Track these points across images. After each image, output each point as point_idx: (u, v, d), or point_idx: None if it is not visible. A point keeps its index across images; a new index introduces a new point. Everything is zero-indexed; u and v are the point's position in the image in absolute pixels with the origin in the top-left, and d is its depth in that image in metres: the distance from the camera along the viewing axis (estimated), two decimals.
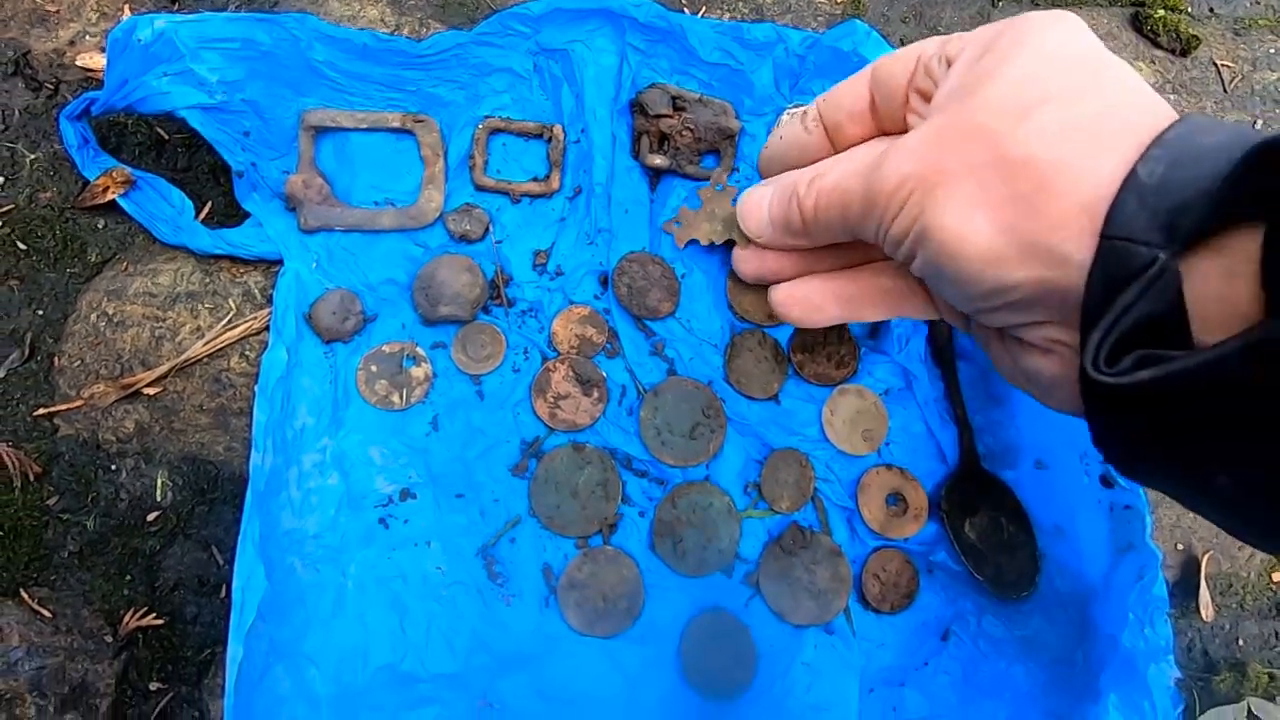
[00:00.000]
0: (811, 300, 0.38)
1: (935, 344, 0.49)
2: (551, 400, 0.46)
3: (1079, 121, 0.25)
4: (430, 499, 0.43)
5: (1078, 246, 0.24)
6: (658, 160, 0.50)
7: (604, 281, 0.49)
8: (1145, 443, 0.23)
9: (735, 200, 0.50)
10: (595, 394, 0.46)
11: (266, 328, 0.45)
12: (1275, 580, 0.51)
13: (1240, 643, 0.49)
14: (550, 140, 0.50)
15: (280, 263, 0.46)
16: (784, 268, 0.39)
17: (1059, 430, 0.46)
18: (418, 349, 0.46)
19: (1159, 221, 0.22)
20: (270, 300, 0.46)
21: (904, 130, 0.32)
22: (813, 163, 0.36)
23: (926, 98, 0.31)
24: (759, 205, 0.38)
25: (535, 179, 0.50)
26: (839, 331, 0.49)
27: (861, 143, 0.35)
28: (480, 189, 0.49)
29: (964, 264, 0.27)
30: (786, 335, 0.49)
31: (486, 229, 0.49)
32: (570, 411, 0.46)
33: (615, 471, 0.45)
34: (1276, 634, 0.50)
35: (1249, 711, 0.46)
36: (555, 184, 0.50)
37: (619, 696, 0.41)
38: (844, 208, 0.32)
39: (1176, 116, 0.25)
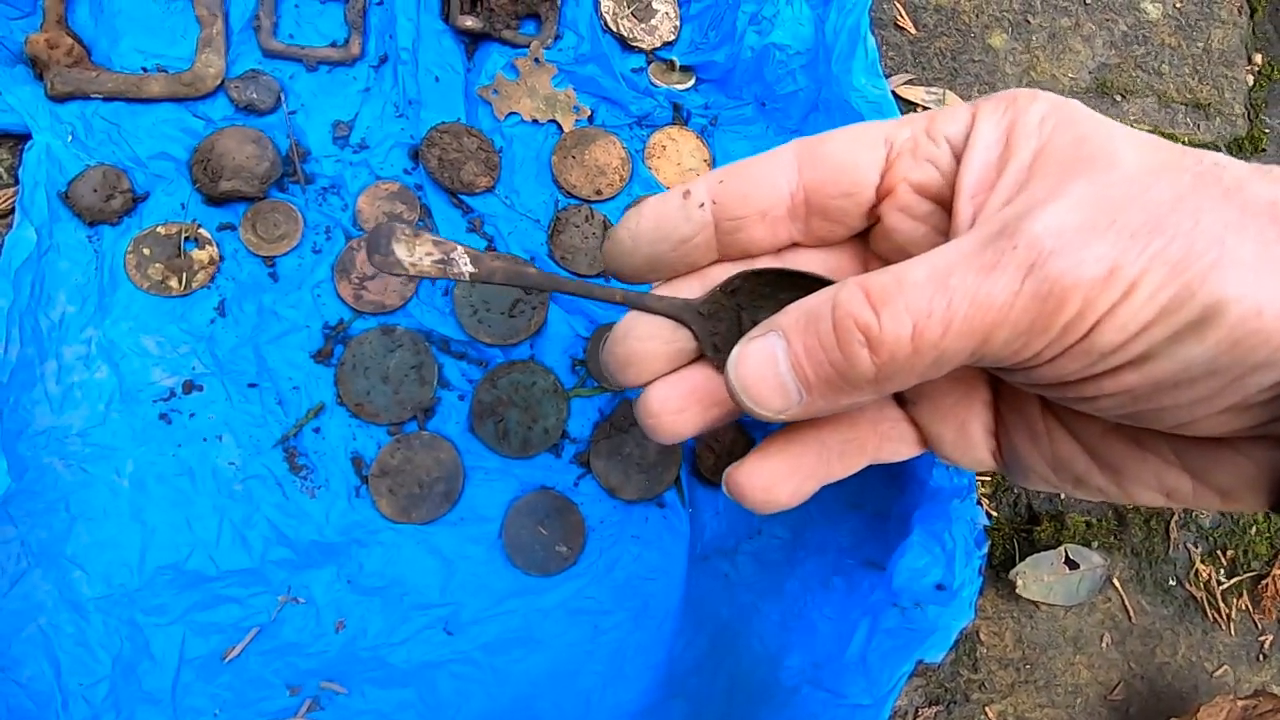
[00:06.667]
0: (803, 478, 0.26)
1: None
2: (356, 281, 0.42)
3: None
4: (219, 390, 0.40)
5: None
6: (469, 23, 0.46)
7: (415, 156, 0.45)
8: None
9: (557, 81, 0.47)
10: None
11: (13, 210, 0.40)
12: None
13: (1062, 497, 0.52)
14: (348, 1, 0.45)
15: (27, 137, 0.41)
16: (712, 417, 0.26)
17: None
18: (201, 230, 0.41)
19: None
20: (18, 179, 0.40)
21: (846, 238, 0.25)
22: (691, 265, 0.26)
23: (925, 192, 0.24)
24: (769, 367, 0.23)
25: (334, 44, 0.46)
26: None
27: (767, 250, 0.26)
28: (269, 54, 0.44)
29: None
30: (619, 210, 0.47)
31: (278, 99, 0.44)
32: (378, 292, 0.42)
33: (430, 354, 0.42)
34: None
35: (1066, 556, 0.49)
36: (355, 49, 0.45)
37: (435, 580, 0.39)
38: (988, 328, 0.20)
39: None
